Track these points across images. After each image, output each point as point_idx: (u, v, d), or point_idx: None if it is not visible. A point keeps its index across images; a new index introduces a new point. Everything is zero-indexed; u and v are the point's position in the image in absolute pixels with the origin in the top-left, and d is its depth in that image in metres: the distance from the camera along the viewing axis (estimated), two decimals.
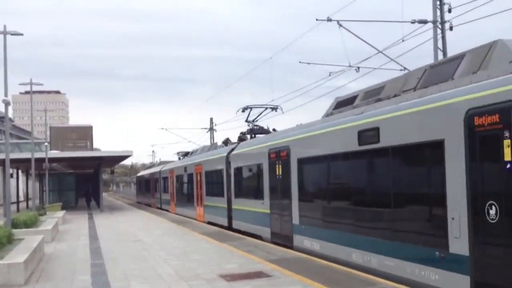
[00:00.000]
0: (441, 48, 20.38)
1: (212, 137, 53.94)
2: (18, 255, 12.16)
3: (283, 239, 16.35)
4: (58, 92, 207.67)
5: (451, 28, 20.37)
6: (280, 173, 16.63)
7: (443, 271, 8.87)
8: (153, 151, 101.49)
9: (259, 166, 18.78)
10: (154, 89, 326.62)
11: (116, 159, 48.25)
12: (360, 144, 11.75)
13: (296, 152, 15.37)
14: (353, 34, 19.73)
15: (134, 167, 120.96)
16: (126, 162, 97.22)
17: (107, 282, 11.19)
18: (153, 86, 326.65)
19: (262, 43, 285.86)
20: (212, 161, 26.30)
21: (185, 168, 33.93)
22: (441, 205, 8.86)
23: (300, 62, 22.97)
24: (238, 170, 21.72)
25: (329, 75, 22.91)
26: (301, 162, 15.07)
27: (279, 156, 16.71)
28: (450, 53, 20.04)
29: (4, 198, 22.27)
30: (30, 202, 48.25)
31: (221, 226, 23.68)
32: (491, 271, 7.78)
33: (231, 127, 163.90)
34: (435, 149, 9.08)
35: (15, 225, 19.02)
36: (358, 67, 21.29)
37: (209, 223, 26.25)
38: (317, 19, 19.83)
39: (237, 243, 17.07)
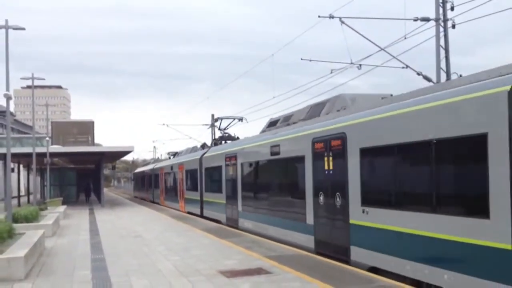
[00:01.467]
0: (443, 46, 20.37)
1: (213, 134, 53.91)
2: (18, 250, 12.20)
3: (232, 222, 22.24)
4: (59, 87, 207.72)
5: (453, 26, 20.35)
6: (231, 173, 22.35)
7: (303, 234, 15.07)
8: (154, 147, 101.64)
9: (219, 168, 24.45)
10: (154, 86, 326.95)
11: (117, 155, 48.34)
12: (271, 155, 17.66)
13: (241, 158, 21.02)
14: (355, 31, 19.70)
15: (135, 162, 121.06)
16: (128, 157, 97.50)
17: (108, 277, 11.23)
18: (153, 82, 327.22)
19: (263, 41, 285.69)
20: (190, 162, 32.28)
21: (171, 167, 39.81)
22: (303, 195, 14.97)
23: (301, 59, 22.90)
24: (207, 170, 27.67)
25: (331, 73, 22.92)
26: (242, 165, 20.87)
27: (231, 160, 22.48)
28: (453, 50, 20.07)
29: (5, 193, 22.31)
30: (31, 197, 48.36)
31: (196, 215, 29.60)
32: (321, 233, 13.92)
33: (232, 124, 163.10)
34: (302, 161, 15.05)
35: (16, 219, 19.07)
36: (360, 65, 21.27)
37: (189, 212, 31.68)
38: (319, 16, 19.82)
39: (237, 240, 17.10)
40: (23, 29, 22.35)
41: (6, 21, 21.55)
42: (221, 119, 32.20)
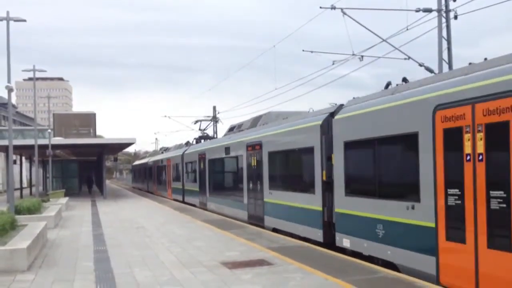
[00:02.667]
0: (445, 37, 20.30)
1: (215, 126, 53.88)
2: (21, 241, 12.23)
3: (203, 205, 28.98)
4: (61, 79, 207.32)
5: (455, 17, 20.26)
6: (202, 168, 28.95)
7: (242, 210, 21.16)
8: (156, 139, 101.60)
9: (195, 162, 31.12)
10: (155, 78, 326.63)
11: (119, 147, 48.31)
12: (225, 154, 23.90)
13: (209, 155, 27.56)
14: (357, 22, 19.63)
15: (137, 154, 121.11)
16: (130, 149, 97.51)
17: (110, 269, 11.26)
18: (155, 74, 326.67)
19: (265, 33, 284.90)
20: (175, 157, 38.65)
21: (161, 161, 45.96)
22: (242, 183, 21.00)
23: (303, 50, 22.83)
24: (187, 164, 33.95)
25: (333, 64, 22.86)
26: (210, 161, 27.23)
27: (201, 157, 29.26)
28: (455, 42, 20.00)
29: (7, 185, 22.35)
30: (33, 189, 48.44)
31: (178, 201, 35.58)
32: (251, 209, 20.05)
33: (233, 116, 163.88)
34: (241, 159, 21.10)
35: (18, 211, 19.10)
36: (362, 56, 21.21)
37: (174, 199, 37.68)
38: (320, 7, 19.74)
39: (239, 231, 17.14)
40: (24, 20, 22.30)
41: (7, 12, 21.52)
42: (201, 121, 41.01)
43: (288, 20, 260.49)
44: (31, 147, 35.34)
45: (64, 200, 31.37)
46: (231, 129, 25.68)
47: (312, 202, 14.61)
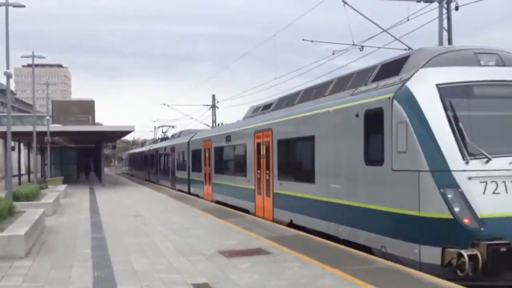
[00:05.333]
0: (446, 28, 20.22)
1: (214, 114, 53.84)
2: (19, 228, 12.24)
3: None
4: (60, 66, 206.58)
5: (456, 8, 20.17)
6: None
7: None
8: (154, 127, 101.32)
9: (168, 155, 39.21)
10: (155, 66, 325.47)
11: (117, 134, 48.28)
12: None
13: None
14: (358, 12, 19.55)
15: (136, 142, 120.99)
16: (128, 137, 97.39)
17: (108, 256, 11.27)
18: (154, 63, 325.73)
19: (265, 22, 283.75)
20: (148, 150, 48.36)
21: (141, 152, 57.38)
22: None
23: (303, 39, 22.76)
24: (160, 156, 44.34)
25: (333, 54, 22.79)
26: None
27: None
28: (455, 33, 19.92)
29: (5, 171, 22.33)
30: (31, 176, 48.44)
31: (151, 181, 44.43)
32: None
33: (232, 105, 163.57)
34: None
35: (16, 198, 19.10)
36: (362, 46, 21.16)
37: (149, 180, 48.49)
38: None
39: (236, 220, 17.16)
40: (23, 6, 22.18)
41: None
42: (162, 126, 59.66)
43: (290, 9, 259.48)
44: (29, 133, 35.29)
45: (62, 187, 31.38)
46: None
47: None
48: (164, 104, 51.64)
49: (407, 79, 10.43)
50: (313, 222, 14.18)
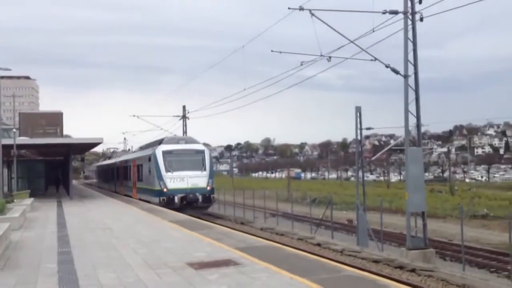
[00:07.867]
0: (411, 38, 20.55)
1: (184, 125, 53.68)
2: None
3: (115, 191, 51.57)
4: (27, 78, 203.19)
5: (421, 19, 20.50)
6: (110, 172, 55.88)
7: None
8: (124, 139, 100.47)
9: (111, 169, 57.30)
10: (124, 78, 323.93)
11: (86, 146, 47.66)
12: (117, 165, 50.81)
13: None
14: (325, 23, 19.77)
15: (105, 154, 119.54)
16: (97, 149, 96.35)
17: (74, 270, 11.10)
18: (123, 74, 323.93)
19: (234, 33, 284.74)
20: (105, 164, 65.64)
21: (98, 167, 74.98)
22: (115, 178, 54.25)
23: (272, 51, 22.96)
24: (103, 169, 68.28)
25: (301, 64, 23.01)
26: (118, 168, 51.79)
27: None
28: (421, 43, 20.38)
29: None
30: None
31: (104, 188, 60.05)
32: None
33: (204, 115, 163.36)
34: (114, 169, 53.40)
35: None
36: (330, 57, 21.38)
37: (101, 188, 64.70)
38: (289, 8, 19.83)
39: (207, 231, 17.10)
40: None
41: None
42: (109, 149, 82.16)
43: (258, 21, 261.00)
44: None
45: (29, 201, 30.81)
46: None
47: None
48: (134, 115, 51.63)
49: (158, 147, 33.77)
50: (144, 198, 35.79)
